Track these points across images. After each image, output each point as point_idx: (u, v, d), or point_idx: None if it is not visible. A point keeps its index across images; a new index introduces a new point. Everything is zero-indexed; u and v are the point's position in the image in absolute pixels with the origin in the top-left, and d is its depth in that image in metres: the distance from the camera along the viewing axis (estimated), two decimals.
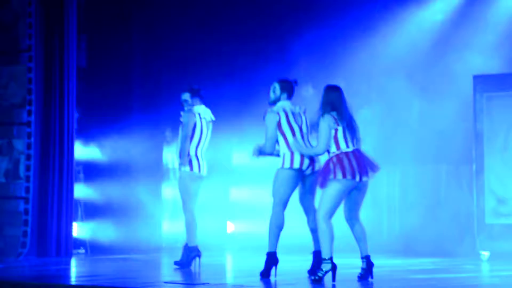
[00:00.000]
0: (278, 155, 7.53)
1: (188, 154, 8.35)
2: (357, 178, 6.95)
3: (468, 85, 10.03)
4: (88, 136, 10.85)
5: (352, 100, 7.00)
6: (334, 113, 7.06)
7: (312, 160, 7.38)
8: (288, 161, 7.34)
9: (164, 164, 11.49)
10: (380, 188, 10.90)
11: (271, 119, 7.42)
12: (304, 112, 7.59)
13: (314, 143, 7.35)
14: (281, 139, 7.43)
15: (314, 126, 7.26)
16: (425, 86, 10.81)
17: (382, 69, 10.95)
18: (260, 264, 7.48)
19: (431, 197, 10.87)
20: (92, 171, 10.86)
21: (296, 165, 7.32)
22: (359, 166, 6.95)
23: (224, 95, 11.06)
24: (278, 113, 7.42)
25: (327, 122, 7.01)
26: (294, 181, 7.35)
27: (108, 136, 10.83)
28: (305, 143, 7.41)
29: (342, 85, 10.65)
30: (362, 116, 10.95)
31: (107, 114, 10.88)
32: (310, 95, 11.09)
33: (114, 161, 10.90)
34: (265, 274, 7.32)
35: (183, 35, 11.16)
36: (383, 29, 10.90)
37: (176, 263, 8.40)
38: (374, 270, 7.17)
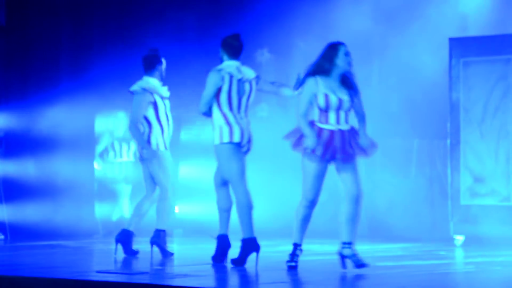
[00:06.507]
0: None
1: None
2: (329, 158, 7.03)
3: (443, 49, 10.15)
4: (7, 104, 10.86)
5: None
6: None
7: (250, 137, 7.45)
8: (226, 135, 7.36)
9: (97, 138, 11.57)
10: None
11: (212, 78, 7.38)
12: (256, 79, 7.49)
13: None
14: (216, 109, 7.39)
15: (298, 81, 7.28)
16: (395, 51, 10.87)
17: (350, 33, 10.75)
18: (210, 250, 7.63)
19: (401, 176, 10.99)
20: (12, 146, 10.89)
21: (236, 139, 7.37)
22: (336, 148, 7.04)
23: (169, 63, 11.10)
24: (223, 78, 7.36)
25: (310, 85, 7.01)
26: (239, 155, 7.40)
27: (31, 105, 10.84)
28: (241, 117, 7.40)
29: (301, 49, 10.81)
30: None
31: (30, 79, 10.86)
32: (266, 60, 11.22)
33: (38, 133, 10.90)
34: (217, 259, 7.54)
35: None
36: None
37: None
38: (338, 257, 7.23)
